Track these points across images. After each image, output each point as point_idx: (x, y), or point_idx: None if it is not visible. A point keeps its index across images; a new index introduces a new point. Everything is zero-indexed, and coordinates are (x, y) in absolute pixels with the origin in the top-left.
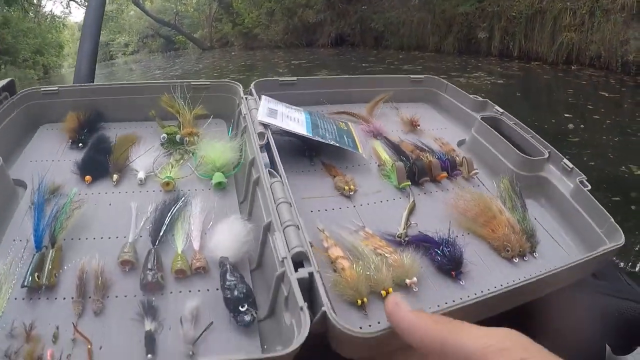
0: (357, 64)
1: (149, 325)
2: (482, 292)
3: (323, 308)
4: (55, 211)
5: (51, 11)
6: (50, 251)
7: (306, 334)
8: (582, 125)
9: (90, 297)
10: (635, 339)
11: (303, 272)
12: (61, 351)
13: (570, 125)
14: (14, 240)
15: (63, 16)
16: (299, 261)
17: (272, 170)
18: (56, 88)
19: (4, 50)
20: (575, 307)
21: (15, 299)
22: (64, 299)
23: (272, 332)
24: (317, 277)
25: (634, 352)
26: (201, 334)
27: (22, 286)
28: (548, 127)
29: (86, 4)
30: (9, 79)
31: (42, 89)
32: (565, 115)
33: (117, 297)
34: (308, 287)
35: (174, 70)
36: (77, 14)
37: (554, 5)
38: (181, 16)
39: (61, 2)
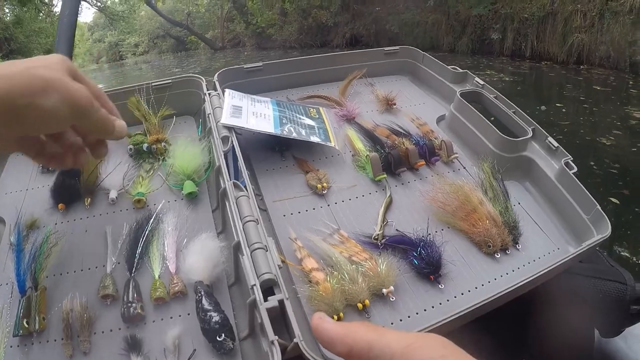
0: None
1: None
2: (462, 294)
3: (295, 340)
4: (34, 252)
5: None
6: (35, 295)
7: None
8: (563, 110)
9: (78, 336)
10: (621, 321)
11: (273, 301)
12: None
13: (543, 107)
14: (0, 285)
15: None
16: (269, 287)
17: (238, 183)
18: None
19: (16, 49)
20: (559, 292)
21: (11, 346)
22: (55, 340)
23: (254, 351)
24: (287, 304)
25: (622, 334)
26: None
27: (15, 335)
28: (538, 112)
29: (98, 4)
30: None
31: None
32: (557, 104)
33: (103, 332)
34: (281, 313)
35: (191, 69)
36: (87, 14)
37: (564, 8)
38: (193, 16)
39: None
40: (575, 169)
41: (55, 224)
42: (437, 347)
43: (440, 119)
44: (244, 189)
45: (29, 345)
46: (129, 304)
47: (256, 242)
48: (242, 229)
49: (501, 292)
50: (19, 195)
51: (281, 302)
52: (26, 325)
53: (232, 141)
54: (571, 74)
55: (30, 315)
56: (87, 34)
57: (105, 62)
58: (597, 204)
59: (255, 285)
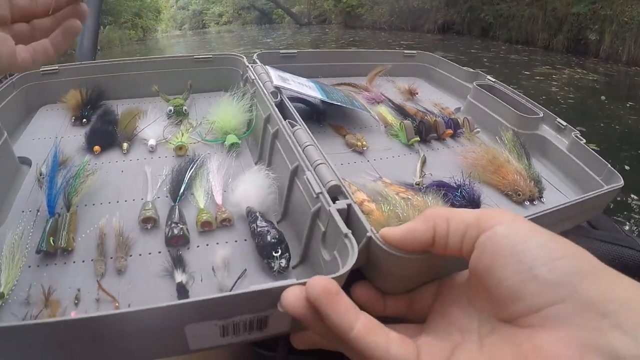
0: (464, 49)
1: (179, 277)
2: None
3: (368, 234)
4: (68, 177)
5: None
6: (66, 215)
7: (355, 258)
8: (631, 106)
9: (111, 258)
10: None
11: (341, 204)
12: (85, 313)
13: (603, 97)
14: (23, 211)
15: None
16: (333, 197)
17: (292, 121)
18: (56, 67)
19: (106, 10)
20: None
21: (29, 266)
22: (83, 261)
23: (307, 276)
24: (355, 207)
25: None
26: (236, 282)
27: (38, 251)
28: (611, 109)
29: None
30: None
31: (42, 69)
32: (629, 103)
33: (140, 255)
34: (345, 221)
35: (281, 42)
36: None
37: None
38: None
39: None
40: (584, 140)
41: (89, 164)
42: (506, 214)
43: (457, 111)
44: (299, 124)
45: (51, 265)
46: (174, 224)
47: (319, 159)
48: (302, 152)
49: (544, 211)
50: (49, 141)
51: (349, 205)
52: (52, 243)
53: (279, 95)
54: None
55: (58, 233)
56: (172, 0)
57: (188, 29)
58: (607, 163)
59: (321, 192)
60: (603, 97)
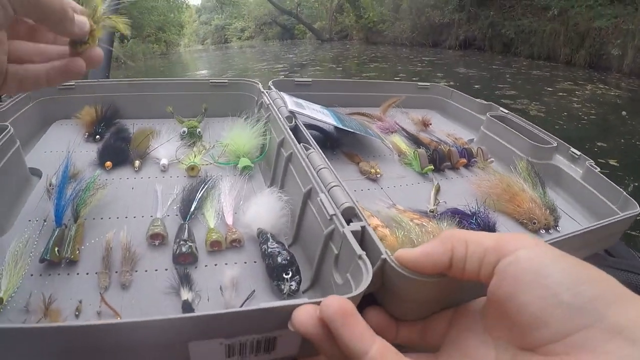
0: (486, 65)
1: (185, 295)
2: None
3: (383, 256)
4: (78, 189)
5: None
6: (73, 226)
7: (369, 280)
8: None
9: (116, 272)
10: None
11: (356, 226)
12: None
13: (623, 112)
14: (30, 220)
15: None
16: (347, 219)
17: (306, 145)
18: (73, 83)
19: (130, 25)
20: None
21: (32, 275)
22: (87, 274)
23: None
24: (370, 230)
25: None
26: (244, 302)
27: (41, 260)
28: (633, 125)
29: None
30: None
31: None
32: None
33: (146, 271)
34: (359, 244)
35: (303, 57)
36: None
37: None
38: (302, 6)
39: None
40: (598, 169)
41: (99, 179)
42: (527, 238)
43: (470, 142)
44: (312, 148)
45: (54, 275)
46: (183, 242)
47: (332, 182)
48: (316, 175)
49: (562, 236)
50: (60, 155)
51: (363, 227)
52: (57, 254)
53: (294, 120)
54: None
55: (63, 244)
56: (195, 15)
57: (211, 43)
58: (622, 191)
59: (335, 214)
60: (624, 113)
